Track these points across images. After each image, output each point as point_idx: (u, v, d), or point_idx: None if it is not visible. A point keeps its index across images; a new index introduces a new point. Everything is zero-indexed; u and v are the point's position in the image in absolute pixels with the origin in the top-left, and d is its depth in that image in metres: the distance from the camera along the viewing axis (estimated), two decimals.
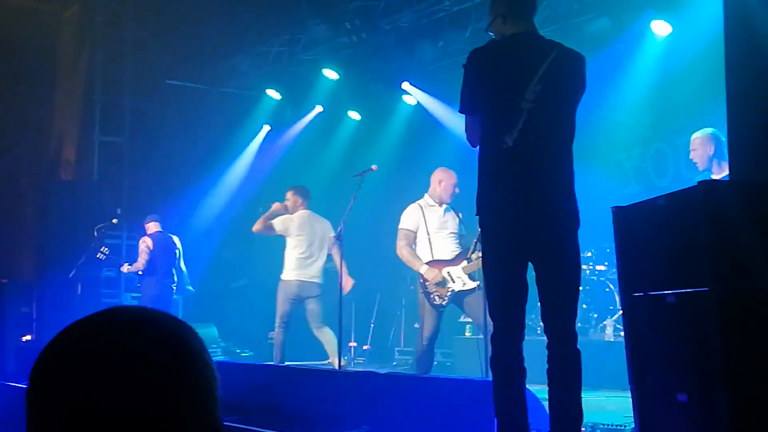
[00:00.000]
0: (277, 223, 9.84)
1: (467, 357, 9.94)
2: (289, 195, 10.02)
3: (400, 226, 8.33)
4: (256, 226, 9.98)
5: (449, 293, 7.94)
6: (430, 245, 8.14)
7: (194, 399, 1.28)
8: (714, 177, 7.14)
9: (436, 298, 7.94)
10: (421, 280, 8.06)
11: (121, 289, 13.35)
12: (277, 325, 9.73)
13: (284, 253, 9.91)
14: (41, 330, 11.96)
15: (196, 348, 1.31)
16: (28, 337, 11.67)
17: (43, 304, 12.19)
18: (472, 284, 7.89)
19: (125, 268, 11.47)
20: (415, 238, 8.25)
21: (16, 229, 14.03)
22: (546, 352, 4.40)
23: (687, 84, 9.81)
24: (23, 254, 13.96)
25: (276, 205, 9.99)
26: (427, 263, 8.06)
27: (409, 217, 8.29)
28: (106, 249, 11.39)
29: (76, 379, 1.23)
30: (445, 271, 7.98)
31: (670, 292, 3.97)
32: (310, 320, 9.78)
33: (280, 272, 9.87)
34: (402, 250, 8.25)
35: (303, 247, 9.76)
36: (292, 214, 9.91)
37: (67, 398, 1.23)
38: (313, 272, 9.78)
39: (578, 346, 4.39)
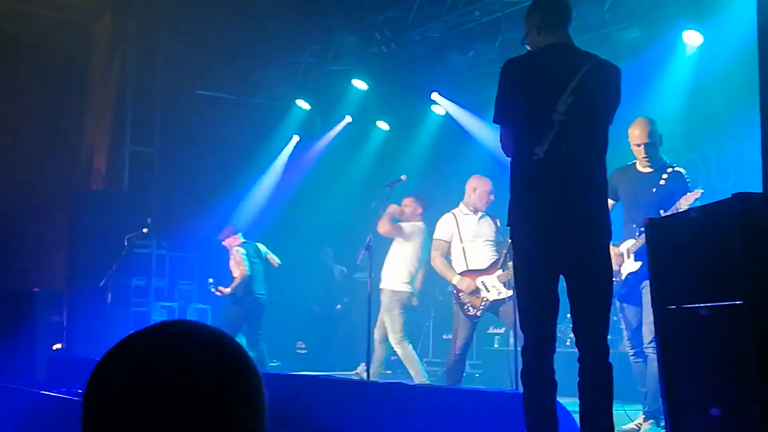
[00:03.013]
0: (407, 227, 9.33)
1: (496, 368, 9.90)
2: (409, 202, 9.41)
3: (434, 237, 8.32)
4: (385, 228, 9.21)
5: (483, 303, 7.87)
6: (464, 254, 8.10)
7: (250, 414, 1.31)
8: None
9: (470, 308, 7.88)
10: (455, 291, 8.02)
11: (151, 298, 13.42)
12: (400, 339, 9.15)
13: (398, 261, 9.37)
14: (72, 338, 12.04)
15: (251, 365, 1.35)
16: (59, 346, 11.74)
17: (74, 313, 12.27)
18: (507, 293, 7.79)
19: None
20: (450, 247, 8.21)
21: (47, 238, 14.14)
22: (577, 364, 4.37)
23: (718, 95, 9.74)
24: (54, 263, 14.06)
25: (393, 208, 9.25)
26: (460, 273, 8.01)
27: (443, 227, 8.26)
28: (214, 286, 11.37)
29: (134, 392, 1.25)
30: (479, 280, 7.92)
31: (703, 305, 3.93)
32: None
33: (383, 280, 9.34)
34: (436, 260, 8.23)
35: (418, 258, 9.35)
36: (409, 221, 9.38)
37: (123, 410, 1.25)
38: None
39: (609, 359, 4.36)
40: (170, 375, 1.26)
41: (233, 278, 11.17)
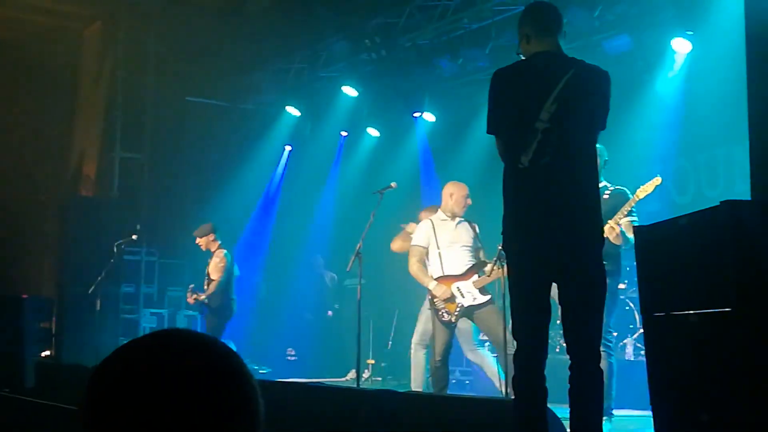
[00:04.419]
0: None
1: (486, 375, 9.89)
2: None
3: (411, 243, 8.31)
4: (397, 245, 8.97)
5: (458, 309, 7.85)
6: (441, 260, 8.08)
7: (246, 421, 1.34)
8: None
9: (444, 314, 7.85)
10: (430, 296, 8.01)
11: (140, 305, 13.38)
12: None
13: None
14: (61, 345, 11.99)
15: (247, 372, 1.38)
16: (48, 353, 11.70)
17: (63, 320, 12.23)
18: (483, 298, 7.79)
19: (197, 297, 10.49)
20: (428, 253, 8.21)
21: (36, 245, 14.11)
22: (567, 371, 4.36)
23: (708, 101, 9.77)
24: (43, 270, 14.03)
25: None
26: (436, 279, 8.00)
27: (420, 234, 8.26)
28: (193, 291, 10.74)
29: (131, 399, 1.26)
30: (454, 286, 7.90)
31: (692, 312, 3.93)
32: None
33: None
34: (413, 266, 8.21)
35: None
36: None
37: (121, 417, 1.26)
38: None
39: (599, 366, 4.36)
40: (167, 382, 1.27)
41: (212, 280, 10.48)
